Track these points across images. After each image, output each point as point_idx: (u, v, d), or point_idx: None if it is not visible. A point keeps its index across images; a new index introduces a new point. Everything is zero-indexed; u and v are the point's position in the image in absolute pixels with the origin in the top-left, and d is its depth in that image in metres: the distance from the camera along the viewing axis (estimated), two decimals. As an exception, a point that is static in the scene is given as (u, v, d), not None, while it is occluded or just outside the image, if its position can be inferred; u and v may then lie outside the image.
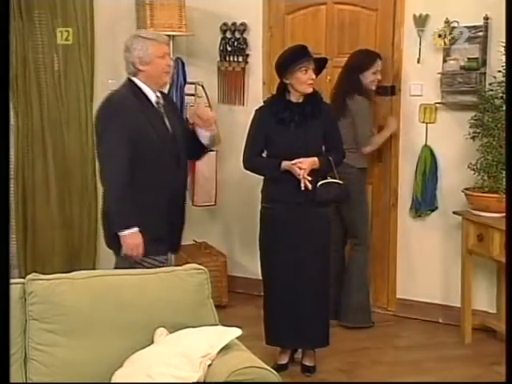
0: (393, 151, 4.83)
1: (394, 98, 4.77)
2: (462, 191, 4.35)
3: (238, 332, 2.67)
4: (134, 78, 3.36)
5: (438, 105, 4.59)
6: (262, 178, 3.99)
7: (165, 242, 3.40)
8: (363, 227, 4.66)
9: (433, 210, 4.73)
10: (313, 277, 3.91)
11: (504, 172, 4.09)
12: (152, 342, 2.69)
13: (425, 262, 4.80)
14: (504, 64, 4.06)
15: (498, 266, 4.44)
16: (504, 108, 4.06)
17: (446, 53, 4.51)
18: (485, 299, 4.61)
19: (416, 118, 4.69)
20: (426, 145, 4.67)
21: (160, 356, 2.56)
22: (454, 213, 4.46)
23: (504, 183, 4.04)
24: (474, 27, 4.41)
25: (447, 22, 4.46)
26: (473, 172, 4.26)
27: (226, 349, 2.62)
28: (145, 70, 3.32)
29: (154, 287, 2.80)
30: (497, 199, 4.12)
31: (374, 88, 4.61)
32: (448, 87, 4.49)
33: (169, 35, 4.36)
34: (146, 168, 3.28)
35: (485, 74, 4.40)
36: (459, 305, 4.51)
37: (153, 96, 3.36)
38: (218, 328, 2.75)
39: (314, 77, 3.82)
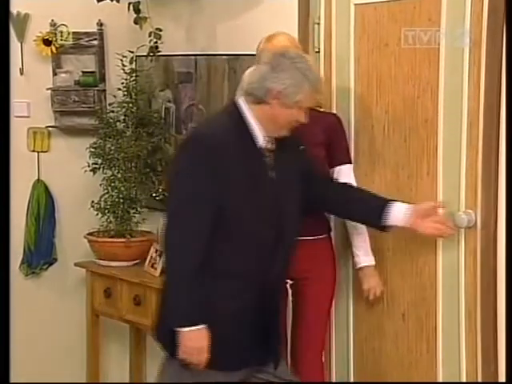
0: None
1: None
2: (85, 237, 3.67)
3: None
4: (244, 107, 2.47)
5: (50, 129, 3.82)
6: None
7: (243, 353, 2.52)
8: None
9: (50, 264, 3.88)
10: None
11: (132, 211, 3.59)
12: None
13: (45, 333, 3.87)
14: (124, 81, 3.52)
15: (131, 328, 3.72)
16: (128, 134, 3.53)
17: (56, 63, 3.75)
18: (116, 374, 3.87)
19: (24, 146, 3.83)
20: (38, 180, 3.85)
21: None
22: (76, 265, 3.73)
23: (132, 225, 3.56)
24: (87, 34, 3.71)
25: (53, 24, 3.68)
26: (96, 213, 3.62)
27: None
28: (274, 108, 2.43)
29: None
30: (124, 244, 3.56)
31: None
32: (61, 107, 3.74)
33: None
34: (229, 241, 2.44)
35: (104, 91, 3.75)
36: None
37: (260, 137, 2.49)
38: None
39: None
